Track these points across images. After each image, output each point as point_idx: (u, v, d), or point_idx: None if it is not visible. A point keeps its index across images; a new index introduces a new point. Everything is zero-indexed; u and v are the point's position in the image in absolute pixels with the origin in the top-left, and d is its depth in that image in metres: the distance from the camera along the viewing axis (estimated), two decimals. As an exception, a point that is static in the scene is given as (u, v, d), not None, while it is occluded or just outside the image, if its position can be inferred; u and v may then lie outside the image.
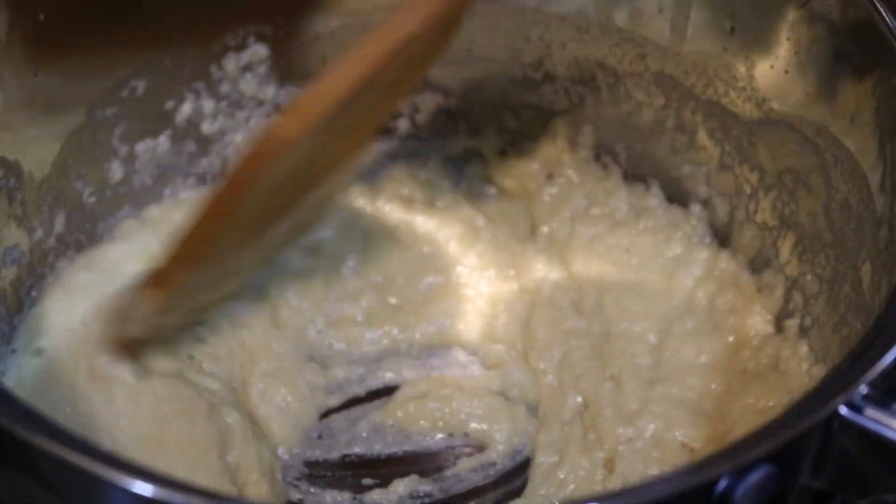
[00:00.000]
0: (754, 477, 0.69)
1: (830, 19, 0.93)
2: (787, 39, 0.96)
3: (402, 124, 1.16)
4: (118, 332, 0.96)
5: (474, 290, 1.10)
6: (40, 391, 0.94)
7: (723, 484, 0.68)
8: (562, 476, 0.97)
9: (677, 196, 1.10)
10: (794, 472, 0.73)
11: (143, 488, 0.67)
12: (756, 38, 0.99)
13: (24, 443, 0.69)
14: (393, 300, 1.09)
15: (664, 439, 0.97)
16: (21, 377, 0.95)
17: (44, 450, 0.69)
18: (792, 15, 0.95)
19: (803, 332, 0.97)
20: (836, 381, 0.73)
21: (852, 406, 0.71)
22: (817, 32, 0.94)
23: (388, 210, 1.14)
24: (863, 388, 0.71)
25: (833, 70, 0.94)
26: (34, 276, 1.01)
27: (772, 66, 0.98)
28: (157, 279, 0.93)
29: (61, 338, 0.98)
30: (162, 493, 0.67)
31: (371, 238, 1.12)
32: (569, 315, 1.07)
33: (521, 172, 1.15)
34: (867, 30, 0.91)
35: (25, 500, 0.74)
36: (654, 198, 1.10)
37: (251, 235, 0.95)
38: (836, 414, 0.71)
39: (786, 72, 0.97)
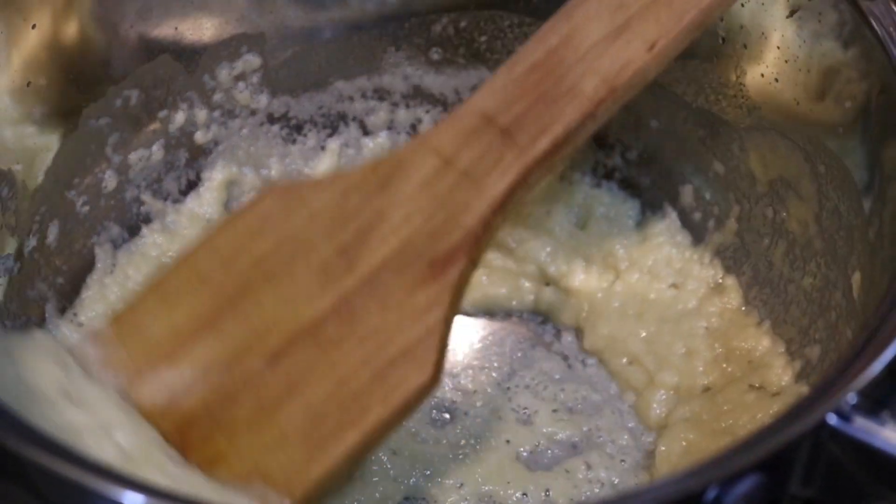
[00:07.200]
0: (743, 486, 0.69)
1: (820, 29, 0.94)
2: (777, 48, 0.97)
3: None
4: None
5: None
6: None
7: (712, 493, 0.68)
8: None
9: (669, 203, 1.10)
10: (784, 481, 0.73)
11: (132, 499, 0.67)
12: (746, 47, 0.99)
13: (13, 453, 0.70)
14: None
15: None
16: None
17: (32, 460, 0.69)
18: (781, 24, 0.96)
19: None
20: (825, 390, 0.73)
21: (841, 415, 0.71)
22: (807, 41, 0.95)
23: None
24: (852, 397, 0.72)
25: (823, 78, 0.94)
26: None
27: (762, 75, 0.98)
28: None
29: None
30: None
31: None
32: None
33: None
34: (857, 38, 0.91)
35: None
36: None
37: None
38: (825, 423, 0.71)
39: (776, 80, 0.98)
